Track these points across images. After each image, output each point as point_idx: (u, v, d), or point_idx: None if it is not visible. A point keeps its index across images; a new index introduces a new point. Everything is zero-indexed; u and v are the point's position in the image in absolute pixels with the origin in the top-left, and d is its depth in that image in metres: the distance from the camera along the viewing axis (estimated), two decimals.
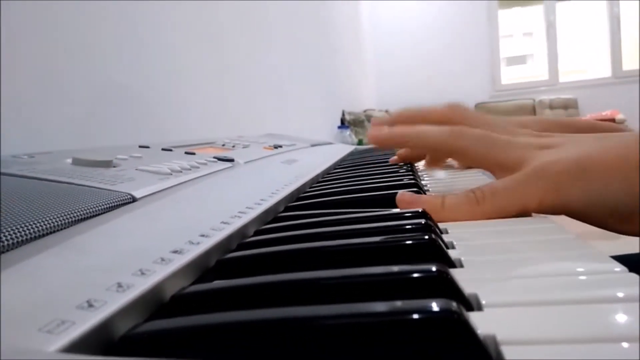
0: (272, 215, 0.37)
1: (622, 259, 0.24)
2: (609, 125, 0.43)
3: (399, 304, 0.15)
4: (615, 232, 0.31)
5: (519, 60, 5.13)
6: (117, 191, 0.31)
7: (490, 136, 0.34)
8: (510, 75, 4.75)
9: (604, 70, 4.39)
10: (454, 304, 0.15)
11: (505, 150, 0.33)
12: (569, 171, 0.30)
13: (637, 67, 4.26)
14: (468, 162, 0.37)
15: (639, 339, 0.14)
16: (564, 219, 0.31)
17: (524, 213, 0.31)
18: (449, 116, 0.36)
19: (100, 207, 0.28)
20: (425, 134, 0.36)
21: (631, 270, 0.20)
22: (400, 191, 0.34)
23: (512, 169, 0.32)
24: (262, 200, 0.37)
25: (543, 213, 0.32)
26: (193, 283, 0.23)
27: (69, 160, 0.39)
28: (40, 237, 0.23)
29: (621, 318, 0.16)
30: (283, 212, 0.39)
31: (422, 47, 4.61)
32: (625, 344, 0.14)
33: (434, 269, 0.19)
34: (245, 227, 0.31)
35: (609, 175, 0.29)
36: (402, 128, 0.37)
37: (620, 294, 0.18)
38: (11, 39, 0.59)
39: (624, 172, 0.29)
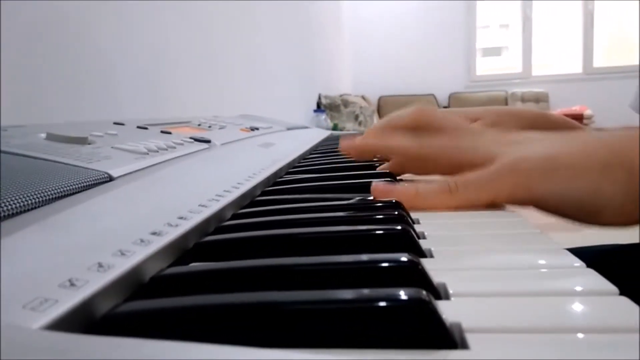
0: (248, 199, 0.37)
1: (580, 252, 0.26)
2: (558, 117, 0.45)
3: (373, 291, 0.16)
4: (585, 224, 0.32)
5: (494, 51, 5.19)
6: (94, 169, 0.31)
7: (455, 142, 0.36)
8: (484, 66, 4.81)
9: (576, 66, 4.48)
10: (424, 293, 0.16)
11: (473, 150, 0.35)
12: (538, 168, 0.31)
13: (607, 65, 4.36)
14: (438, 170, 0.38)
15: (593, 330, 0.16)
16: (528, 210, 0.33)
17: (494, 204, 0.33)
18: (417, 122, 0.38)
19: (77, 186, 0.28)
20: (393, 146, 0.39)
21: (589, 261, 0.21)
22: (374, 181, 0.35)
23: (482, 165, 0.33)
24: (239, 183, 0.38)
25: (513, 205, 0.33)
26: (171, 265, 0.23)
27: (43, 135, 0.38)
28: (16, 214, 0.23)
29: (577, 309, 0.17)
30: (260, 196, 0.39)
31: (399, 33, 4.62)
32: (580, 335, 0.16)
33: (405, 259, 0.20)
34: (222, 210, 0.31)
35: (574, 175, 0.31)
36: (372, 141, 0.40)
37: (578, 288, 0.19)
38: None
39: (588, 173, 0.30)
